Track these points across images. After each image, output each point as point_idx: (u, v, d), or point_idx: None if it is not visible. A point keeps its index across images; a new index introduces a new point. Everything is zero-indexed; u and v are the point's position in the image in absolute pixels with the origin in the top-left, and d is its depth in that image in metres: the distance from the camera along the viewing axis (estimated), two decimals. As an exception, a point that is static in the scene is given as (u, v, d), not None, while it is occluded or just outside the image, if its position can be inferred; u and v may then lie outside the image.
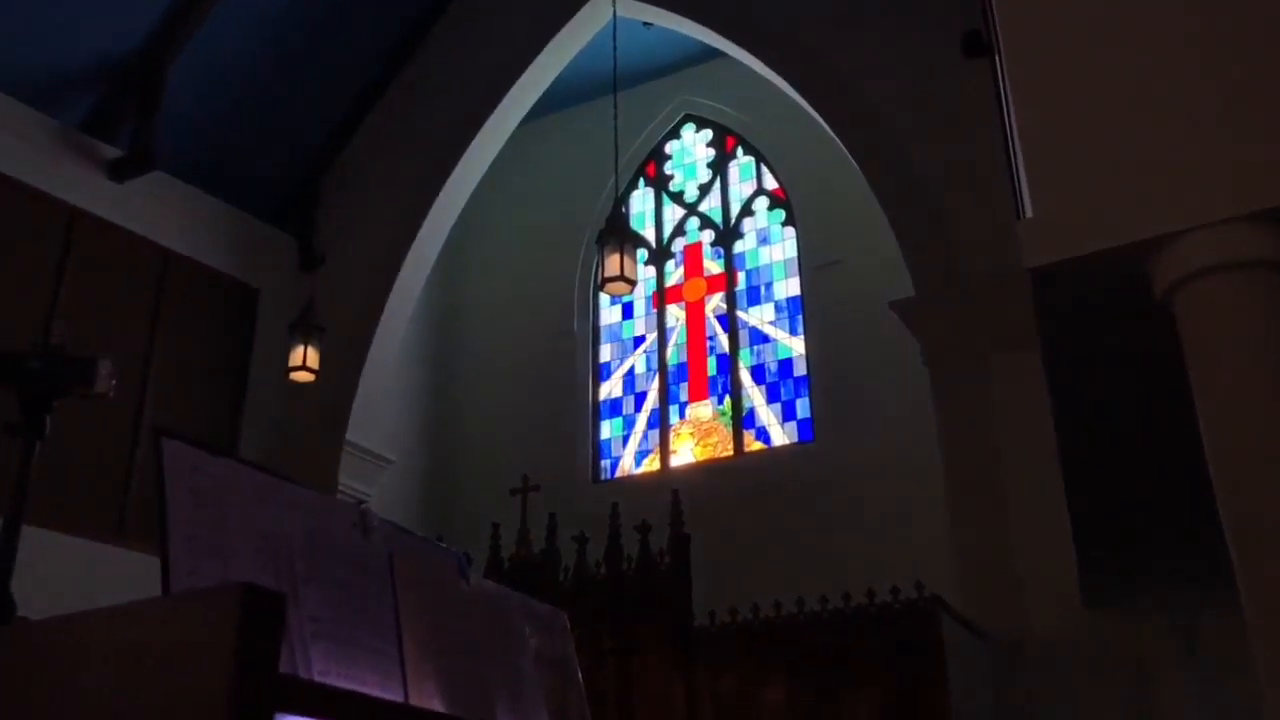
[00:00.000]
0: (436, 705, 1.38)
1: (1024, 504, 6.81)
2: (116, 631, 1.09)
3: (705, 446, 10.13)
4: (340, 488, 9.25)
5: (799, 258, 10.18)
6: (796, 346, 9.95)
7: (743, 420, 9.98)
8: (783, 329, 10.12)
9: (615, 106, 8.02)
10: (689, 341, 10.58)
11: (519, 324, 11.10)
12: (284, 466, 7.99)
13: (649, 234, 11.08)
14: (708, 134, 11.19)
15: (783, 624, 6.68)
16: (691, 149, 11.31)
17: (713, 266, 10.76)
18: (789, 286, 10.21)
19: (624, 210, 10.83)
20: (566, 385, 10.74)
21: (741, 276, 10.54)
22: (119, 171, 8.81)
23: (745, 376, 10.14)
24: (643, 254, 10.66)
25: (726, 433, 10.04)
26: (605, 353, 10.98)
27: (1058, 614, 6.54)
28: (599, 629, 6.76)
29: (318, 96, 10.11)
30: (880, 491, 8.61)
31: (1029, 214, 3.54)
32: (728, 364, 10.25)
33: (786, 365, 9.98)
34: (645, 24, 9.96)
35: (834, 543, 8.55)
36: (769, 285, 10.36)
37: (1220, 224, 3.17)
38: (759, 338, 10.23)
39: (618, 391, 10.76)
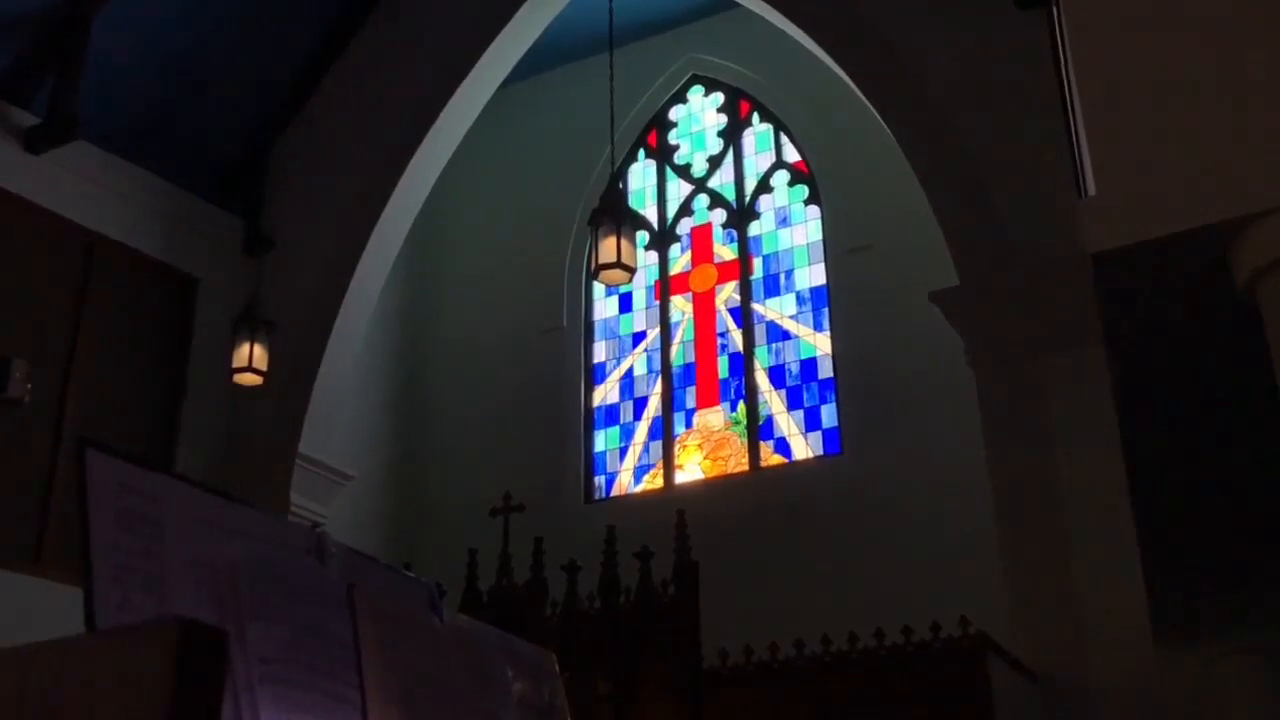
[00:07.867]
0: (404, 760, 1.38)
1: (1086, 526, 6.80)
2: (31, 674, 1.09)
3: (715, 460, 10.14)
4: (293, 508, 9.26)
5: (824, 241, 10.19)
6: (821, 344, 9.96)
7: (759, 430, 9.99)
8: (805, 324, 10.13)
9: (611, 66, 8.02)
10: (697, 338, 10.59)
11: (500, 318, 11.11)
12: (227, 483, 8.00)
13: (650, 214, 11.09)
14: (718, 98, 11.20)
15: (805, 666, 6.69)
16: (700, 115, 11.31)
17: (724, 252, 10.77)
18: (813, 274, 10.22)
19: (622, 186, 10.84)
20: (555, 389, 10.74)
21: (758, 263, 10.55)
22: (36, 141, 8.81)
23: (762, 379, 10.15)
24: (643, 237, 10.66)
25: (740, 444, 10.05)
26: (600, 351, 10.99)
27: (1124, 654, 6.54)
28: (593, 672, 6.75)
29: (267, 55, 10.11)
30: (918, 513, 8.61)
31: (1092, 192, 3.54)
32: (742, 364, 10.26)
33: (810, 366, 9.99)
34: (646, -29, 9.97)
35: (865, 572, 8.55)
36: (789, 273, 10.37)
37: (1313, 203, 3.17)
38: (778, 334, 10.24)
39: (614, 397, 10.77)
